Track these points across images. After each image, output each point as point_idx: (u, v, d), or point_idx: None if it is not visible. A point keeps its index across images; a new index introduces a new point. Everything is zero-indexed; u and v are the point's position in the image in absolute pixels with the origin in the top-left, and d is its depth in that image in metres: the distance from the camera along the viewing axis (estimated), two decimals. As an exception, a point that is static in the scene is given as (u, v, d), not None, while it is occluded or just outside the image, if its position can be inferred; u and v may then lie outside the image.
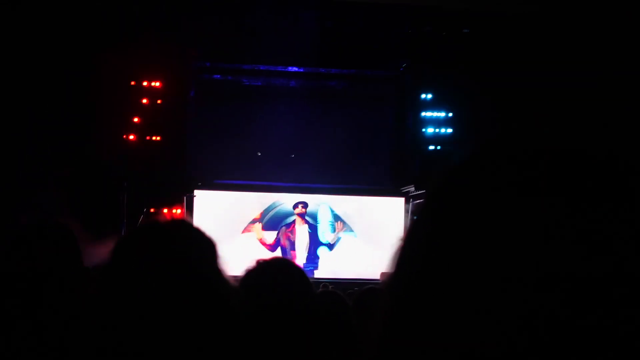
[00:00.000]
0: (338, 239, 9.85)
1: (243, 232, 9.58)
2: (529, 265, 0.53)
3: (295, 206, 9.81)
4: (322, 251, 9.79)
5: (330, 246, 9.82)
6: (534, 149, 0.61)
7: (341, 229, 9.85)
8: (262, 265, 2.01)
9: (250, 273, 2.01)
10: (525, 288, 0.53)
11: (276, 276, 1.96)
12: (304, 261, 9.60)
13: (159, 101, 9.23)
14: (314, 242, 9.76)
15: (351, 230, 9.82)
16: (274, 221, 9.72)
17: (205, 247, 1.55)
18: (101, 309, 1.50)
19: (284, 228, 9.73)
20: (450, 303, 0.56)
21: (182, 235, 1.54)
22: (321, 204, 9.82)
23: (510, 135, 0.64)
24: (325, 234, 9.82)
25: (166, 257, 1.47)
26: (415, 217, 0.65)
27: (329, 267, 9.61)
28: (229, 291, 1.51)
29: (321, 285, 3.47)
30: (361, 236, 9.77)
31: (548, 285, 0.53)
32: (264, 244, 9.61)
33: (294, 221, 9.79)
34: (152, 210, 8.68)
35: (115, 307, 1.46)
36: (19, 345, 2.43)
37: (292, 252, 9.63)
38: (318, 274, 9.37)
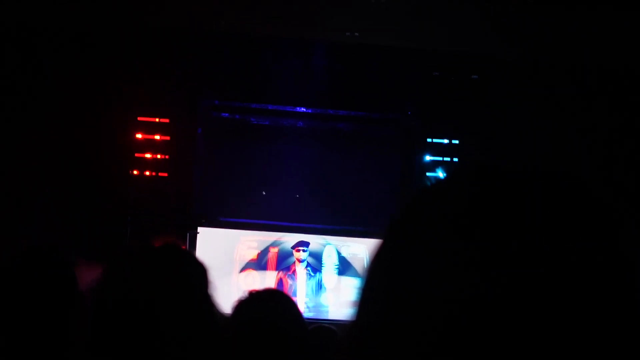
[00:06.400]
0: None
1: (241, 272, 9.31)
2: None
3: (294, 247, 9.39)
4: (326, 299, 9.30)
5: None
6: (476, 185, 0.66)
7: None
8: (253, 295, 2.01)
9: (242, 303, 2.00)
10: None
11: (268, 306, 1.95)
12: (306, 310, 8.88)
13: (166, 137, 9.27)
14: (317, 288, 9.33)
15: (357, 276, 9.38)
16: (273, 262, 9.38)
17: (196, 271, 1.55)
18: (92, 328, 1.50)
19: (281, 272, 9.32)
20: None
21: (172, 258, 1.53)
22: (327, 244, 9.51)
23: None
24: (329, 279, 9.36)
25: (156, 279, 1.46)
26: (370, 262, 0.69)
27: (330, 309, 9.32)
28: (217, 316, 1.50)
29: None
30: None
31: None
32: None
33: (293, 263, 9.39)
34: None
35: (105, 327, 1.46)
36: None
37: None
38: (317, 315, 8.97)
